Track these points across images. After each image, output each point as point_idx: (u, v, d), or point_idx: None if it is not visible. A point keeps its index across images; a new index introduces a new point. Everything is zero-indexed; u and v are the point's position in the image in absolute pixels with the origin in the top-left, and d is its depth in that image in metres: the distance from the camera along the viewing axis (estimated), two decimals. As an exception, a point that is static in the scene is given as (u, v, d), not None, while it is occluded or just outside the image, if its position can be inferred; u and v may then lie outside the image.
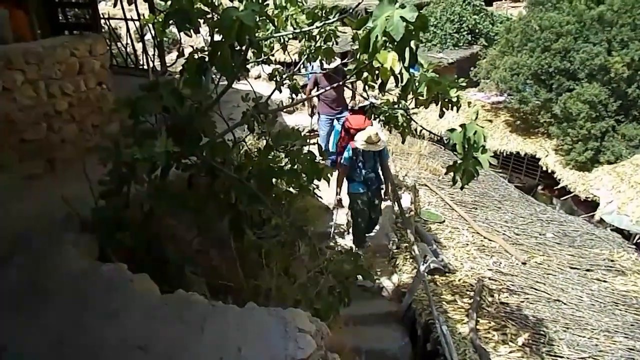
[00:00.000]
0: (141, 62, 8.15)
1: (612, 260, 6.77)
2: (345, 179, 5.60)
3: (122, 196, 2.87)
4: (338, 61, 6.12)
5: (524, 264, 6.37)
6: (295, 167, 2.75)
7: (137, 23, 7.91)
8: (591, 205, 11.62)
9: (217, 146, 3.15)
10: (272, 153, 2.88)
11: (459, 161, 2.95)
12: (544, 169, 13.85)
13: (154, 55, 7.86)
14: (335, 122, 6.76)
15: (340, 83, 4.48)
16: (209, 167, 3.12)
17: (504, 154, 14.82)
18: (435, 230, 6.81)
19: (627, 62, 11.85)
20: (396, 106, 3.55)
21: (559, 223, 7.77)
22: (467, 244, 6.61)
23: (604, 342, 5.13)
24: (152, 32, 7.31)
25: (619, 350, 5.04)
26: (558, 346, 4.98)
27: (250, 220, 3.37)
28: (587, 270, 6.47)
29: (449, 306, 5.32)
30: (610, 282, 6.24)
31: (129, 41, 8.14)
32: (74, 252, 2.62)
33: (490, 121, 15.56)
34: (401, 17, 2.08)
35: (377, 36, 2.22)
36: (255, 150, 3.50)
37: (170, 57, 12.59)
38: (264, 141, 5.50)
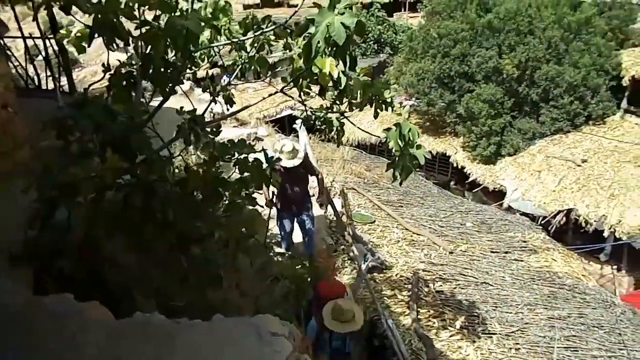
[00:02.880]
0: (43, 83, 7.57)
1: (525, 241, 7.47)
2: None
3: (59, 222, 2.67)
4: (301, 155, 5.35)
5: (451, 253, 6.81)
6: (244, 175, 2.74)
7: (32, 41, 7.34)
8: (499, 195, 12.70)
9: (154, 162, 3.04)
10: (218, 164, 2.85)
11: (396, 158, 3.12)
12: (455, 165, 14.91)
13: (58, 75, 7.34)
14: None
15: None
16: (146, 185, 3.01)
17: (418, 154, 15.71)
18: (368, 230, 7.06)
19: (515, 63, 13.17)
20: (329, 110, 3.67)
21: (476, 213, 8.41)
22: (399, 240, 6.93)
23: (527, 314, 5.65)
24: (52, 49, 6.80)
25: (541, 320, 5.57)
26: (490, 324, 5.39)
27: (190, 237, 3.30)
28: (506, 252, 7.08)
29: (390, 301, 5.54)
30: (526, 261, 6.89)
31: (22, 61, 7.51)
32: (8, 286, 2.39)
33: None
34: (342, 23, 2.19)
35: (318, 42, 2.31)
36: (194, 164, 3.42)
37: (76, 76, 11.78)
38: (196, 156, 5.36)
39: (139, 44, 2.97)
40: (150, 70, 2.88)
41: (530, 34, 13.40)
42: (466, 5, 14.98)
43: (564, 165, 11.31)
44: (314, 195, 6.16)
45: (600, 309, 5.95)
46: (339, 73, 2.76)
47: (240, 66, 3.37)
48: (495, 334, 5.25)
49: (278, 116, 18.38)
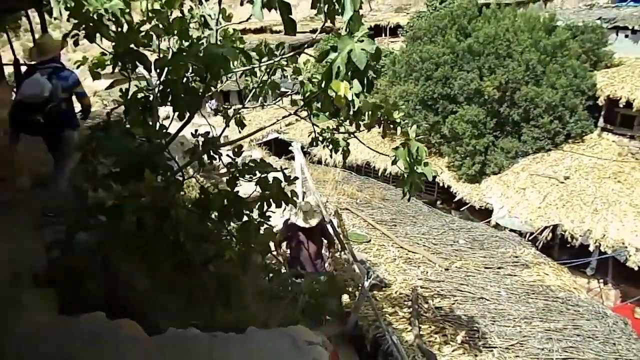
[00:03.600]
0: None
1: (516, 257, 7.65)
2: None
3: (80, 244, 2.72)
4: (319, 216, 5.28)
5: (446, 269, 6.93)
6: (265, 194, 2.84)
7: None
8: (485, 213, 12.97)
9: (170, 185, 3.12)
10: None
11: (406, 176, 3.26)
12: (441, 184, 15.20)
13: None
14: None
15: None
16: (159, 207, 3.07)
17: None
18: (364, 250, 7.15)
19: (496, 85, 13.64)
20: (336, 131, 3.83)
21: (467, 230, 8.59)
22: (395, 259, 7.03)
23: (525, 328, 5.77)
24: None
25: (538, 333, 5.69)
26: (490, 338, 5.49)
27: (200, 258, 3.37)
28: (499, 267, 7.23)
29: (392, 318, 5.61)
30: (519, 276, 7.05)
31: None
32: (35, 307, 2.42)
33: (388, 145, 16.74)
34: (362, 49, 2.35)
35: (338, 67, 2.46)
36: (212, 185, 3.50)
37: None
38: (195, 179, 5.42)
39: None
40: (171, 96, 2.99)
41: (509, 57, 13.94)
42: (446, 31, 15.54)
43: (548, 183, 11.67)
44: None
45: (593, 320, 6.12)
46: (352, 95, 2.91)
47: (253, 90, 3.51)
48: (496, 347, 5.34)
49: (264, 139, 18.55)
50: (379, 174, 16.30)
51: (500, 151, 13.87)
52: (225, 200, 2.98)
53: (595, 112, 13.33)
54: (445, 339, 5.38)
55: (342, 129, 3.77)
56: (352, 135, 3.63)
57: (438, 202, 15.93)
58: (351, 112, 3.09)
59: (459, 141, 14.16)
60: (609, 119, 13.01)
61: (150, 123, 3.34)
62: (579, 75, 13.24)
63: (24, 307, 2.51)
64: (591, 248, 10.06)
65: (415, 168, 3.29)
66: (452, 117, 14.31)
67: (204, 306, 3.52)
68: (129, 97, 3.30)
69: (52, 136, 4.22)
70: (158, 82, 3.08)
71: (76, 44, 2.82)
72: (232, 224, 3.33)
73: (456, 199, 14.29)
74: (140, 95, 3.31)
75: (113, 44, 2.98)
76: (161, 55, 3.10)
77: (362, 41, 2.39)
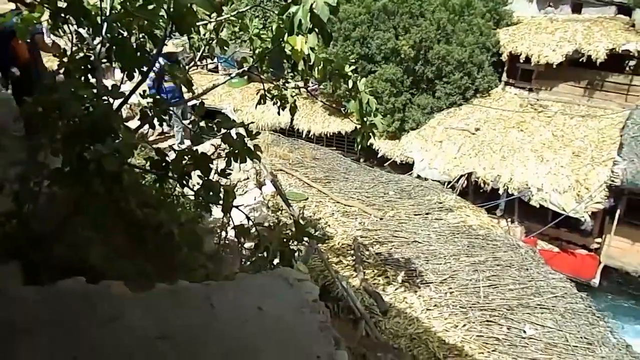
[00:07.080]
0: None
1: (441, 203, 8.34)
2: None
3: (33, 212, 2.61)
4: None
5: (381, 219, 7.41)
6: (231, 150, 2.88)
7: None
8: (405, 167, 13.76)
9: (129, 146, 3.05)
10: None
11: (358, 126, 3.46)
12: (363, 142, 15.73)
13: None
14: None
15: None
16: (111, 172, 3.00)
17: (328, 134, 16.37)
18: (303, 207, 7.38)
19: (411, 44, 14.20)
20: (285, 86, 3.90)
21: (395, 182, 9.16)
22: (333, 213, 7.36)
23: (454, 263, 6.43)
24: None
25: (465, 267, 6.38)
26: (426, 275, 6.06)
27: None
28: (427, 213, 7.87)
29: (338, 266, 5.96)
30: (445, 219, 7.73)
31: None
32: (13, 283, 2.33)
33: (311, 107, 16.92)
34: (325, 2, 2.44)
35: (300, 20, 2.53)
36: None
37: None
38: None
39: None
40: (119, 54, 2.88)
41: (421, 16, 14.51)
42: (361, -10, 15.73)
43: (461, 135, 12.61)
44: (247, 179, 6.31)
45: (509, 252, 6.95)
46: (308, 49, 3.00)
47: (203, 47, 3.45)
48: (432, 282, 5.93)
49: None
50: (303, 135, 16.49)
51: (417, 108, 14.61)
52: (188, 159, 2.98)
53: (499, 67, 14.45)
54: (388, 280, 5.86)
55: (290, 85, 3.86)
56: (306, 90, 3.73)
57: (361, 160, 16.54)
58: (304, 67, 3.20)
59: (379, 99, 14.67)
60: (511, 73, 14.19)
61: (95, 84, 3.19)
62: (484, 33, 14.18)
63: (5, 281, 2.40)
64: (500, 191, 11.18)
65: (365, 120, 3.50)
66: (372, 76, 14.72)
67: (168, 268, 3.54)
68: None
69: None
70: (101, 40, 2.94)
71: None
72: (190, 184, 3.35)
73: (379, 156, 14.92)
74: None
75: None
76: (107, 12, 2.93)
77: (323, -6, 2.47)
